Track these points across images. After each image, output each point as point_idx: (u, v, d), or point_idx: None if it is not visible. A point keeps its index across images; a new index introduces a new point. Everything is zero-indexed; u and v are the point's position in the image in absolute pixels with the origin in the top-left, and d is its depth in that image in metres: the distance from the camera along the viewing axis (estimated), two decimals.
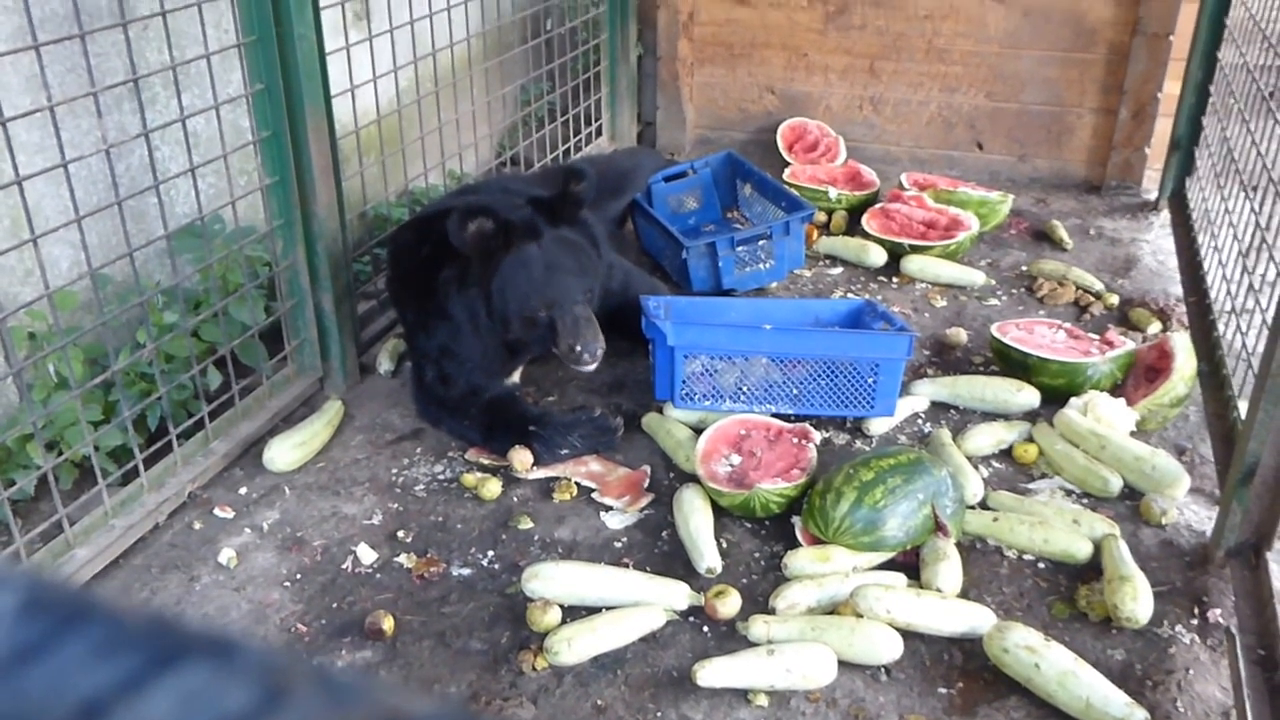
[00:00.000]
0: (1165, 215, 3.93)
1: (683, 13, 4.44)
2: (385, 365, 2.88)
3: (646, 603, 1.99)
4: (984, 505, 2.31)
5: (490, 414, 2.50)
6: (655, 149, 4.55)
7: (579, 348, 2.35)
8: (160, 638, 0.30)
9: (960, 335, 3.02)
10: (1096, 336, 2.83)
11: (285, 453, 2.47)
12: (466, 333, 2.48)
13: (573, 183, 2.42)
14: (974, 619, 1.94)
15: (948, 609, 1.94)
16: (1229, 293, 2.68)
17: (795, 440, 2.38)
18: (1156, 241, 3.77)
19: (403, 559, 2.19)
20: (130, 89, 2.24)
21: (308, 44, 2.41)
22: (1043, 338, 2.79)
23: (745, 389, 2.52)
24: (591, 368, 2.41)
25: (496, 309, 2.40)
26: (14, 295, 2.34)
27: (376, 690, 0.29)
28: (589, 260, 2.48)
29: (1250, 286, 2.48)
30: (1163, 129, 4.02)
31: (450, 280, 2.45)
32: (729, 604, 1.99)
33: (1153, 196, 4.08)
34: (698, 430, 2.47)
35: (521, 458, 2.43)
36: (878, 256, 3.45)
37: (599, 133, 4.39)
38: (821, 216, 3.70)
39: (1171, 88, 3.95)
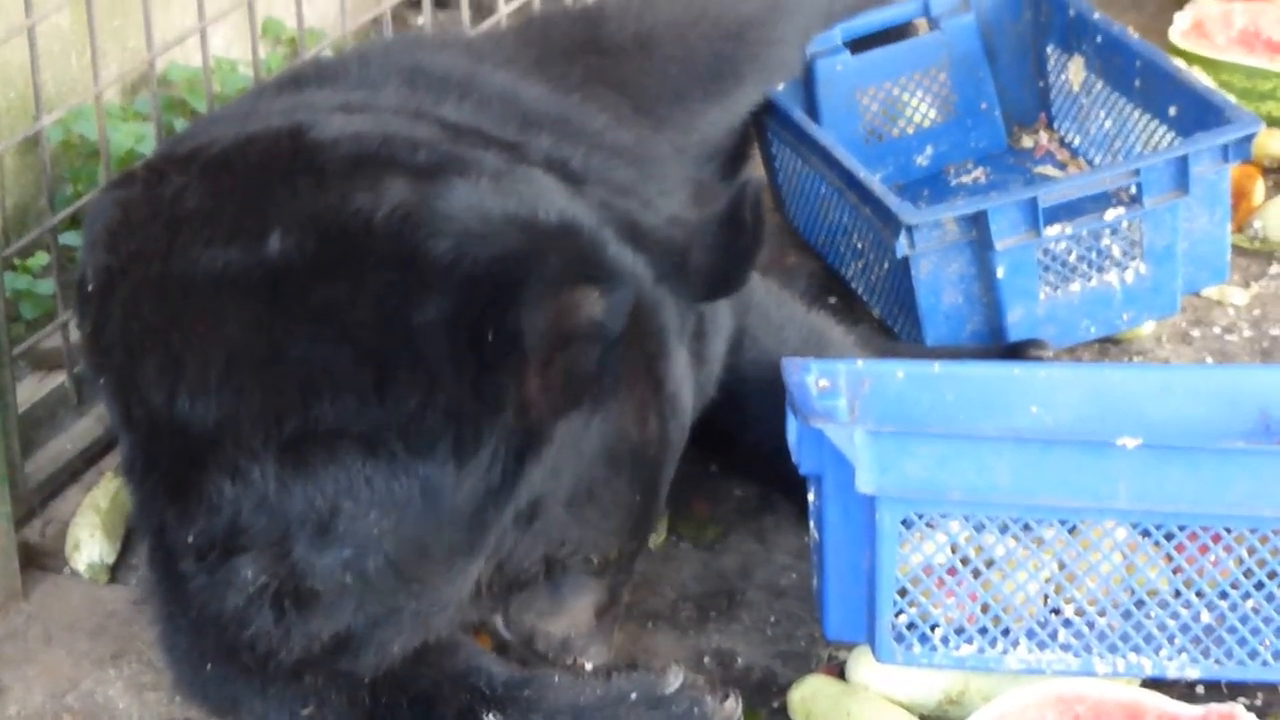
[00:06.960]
0: None
1: None
2: (90, 552, 2.34)
3: None
4: None
5: (384, 676, 1.93)
6: None
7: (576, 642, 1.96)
8: None
9: None
10: None
11: None
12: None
13: (745, 204, 1.81)
14: None
15: None
16: None
17: None
18: None
19: None
20: None
21: None
22: None
23: (1067, 611, 2.02)
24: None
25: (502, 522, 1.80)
26: None
27: None
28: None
29: None
30: None
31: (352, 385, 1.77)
32: None
33: None
34: None
35: None
36: None
37: None
38: (1272, 143, 2.88)
39: None
